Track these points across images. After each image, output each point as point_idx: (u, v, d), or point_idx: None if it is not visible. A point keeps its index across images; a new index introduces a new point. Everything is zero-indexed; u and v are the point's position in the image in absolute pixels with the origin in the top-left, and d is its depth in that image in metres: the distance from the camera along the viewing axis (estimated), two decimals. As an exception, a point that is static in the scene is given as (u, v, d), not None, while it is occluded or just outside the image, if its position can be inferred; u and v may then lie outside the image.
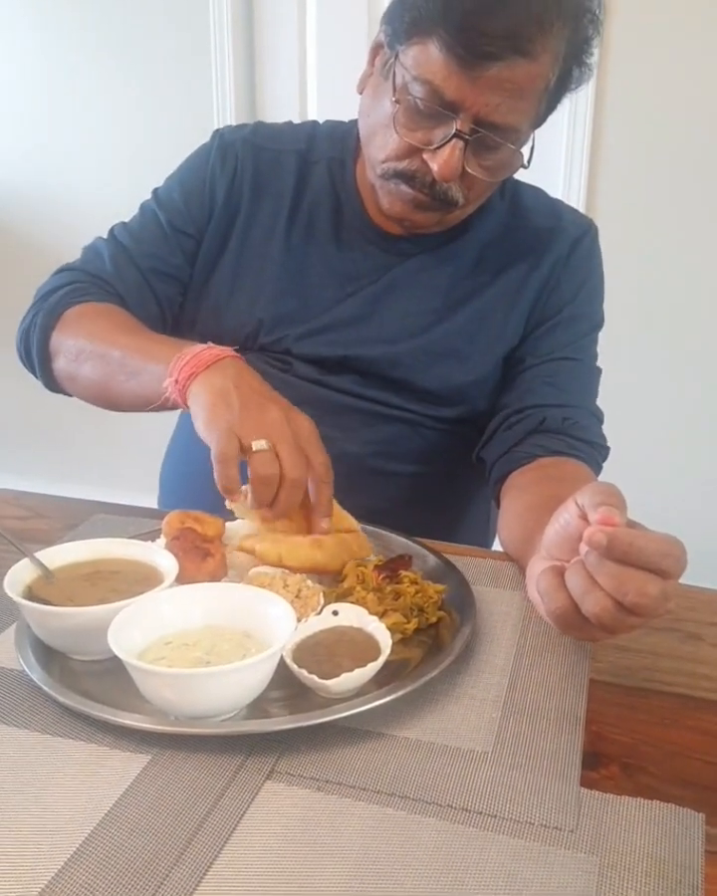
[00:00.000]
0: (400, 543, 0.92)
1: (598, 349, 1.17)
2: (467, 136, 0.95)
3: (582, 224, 1.17)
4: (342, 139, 1.15)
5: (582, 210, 2.29)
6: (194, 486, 1.20)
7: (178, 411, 1.27)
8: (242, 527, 0.89)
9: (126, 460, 2.73)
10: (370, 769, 0.62)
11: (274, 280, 1.13)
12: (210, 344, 0.92)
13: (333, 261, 1.13)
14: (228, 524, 0.89)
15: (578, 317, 1.14)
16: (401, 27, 0.95)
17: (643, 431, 2.26)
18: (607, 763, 0.64)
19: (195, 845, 0.55)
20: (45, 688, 0.68)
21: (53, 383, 1.12)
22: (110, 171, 2.63)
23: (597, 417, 1.11)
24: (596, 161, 2.29)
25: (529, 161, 1.01)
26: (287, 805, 0.59)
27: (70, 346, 1.06)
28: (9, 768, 0.62)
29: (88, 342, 1.04)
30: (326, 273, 1.13)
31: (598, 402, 1.14)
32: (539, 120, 1.00)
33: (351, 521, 0.90)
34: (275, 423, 0.84)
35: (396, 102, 0.96)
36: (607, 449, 1.09)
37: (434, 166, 0.97)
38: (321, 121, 1.20)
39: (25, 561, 0.77)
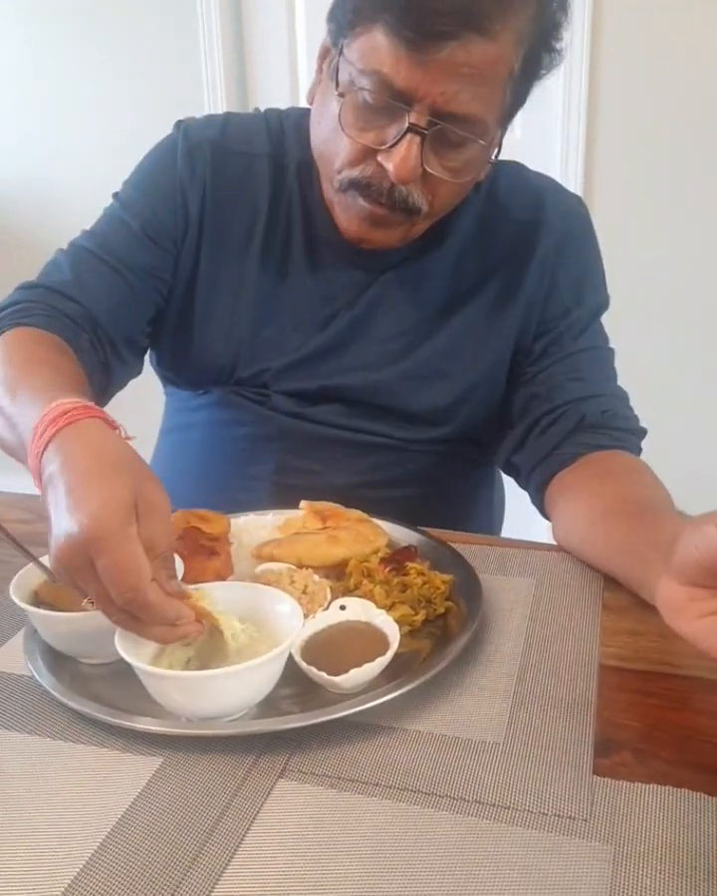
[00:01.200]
0: (405, 533, 0.92)
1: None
2: (423, 130, 0.86)
3: (567, 213, 1.08)
4: (308, 138, 1.03)
5: (579, 194, 2.28)
6: (184, 481, 1.18)
7: (163, 407, 1.25)
8: (248, 524, 0.90)
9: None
10: (383, 764, 0.62)
11: (250, 306, 1.06)
12: (60, 403, 0.71)
13: (308, 281, 1.06)
14: (233, 521, 0.89)
15: (585, 309, 1.07)
16: (345, 19, 0.88)
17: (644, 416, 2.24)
18: (619, 749, 0.64)
19: (210, 847, 0.55)
20: (55, 693, 0.68)
21: None
22: (96, 162, 2.61)
23: (624, 399, 1.07)
24: (592, 144, 2.26)
25: (496, 157, 0.94)
26: (300, 804, 0.59)
27: None
28: (21, 775, 0.62)
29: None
30: (302, 295, 1.06)
31: None
32: (506, 113, 0.92)
33: (356, 512, 0.90)
34: (74, 561, 0.62)
35: (341, 95, 0.89)
36: (645, 431, 1.05)
37: (389, 167, 0.88)
38: (290, 114, 1.09)
39: (30, 567, 0.77)
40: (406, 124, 0.86)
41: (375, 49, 0.85)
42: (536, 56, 0.89)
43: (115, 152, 2.56)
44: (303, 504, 0.91)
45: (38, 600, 0.74)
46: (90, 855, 0.55)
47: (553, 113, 2.26)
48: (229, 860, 0.54)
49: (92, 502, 0.61)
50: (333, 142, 0.93)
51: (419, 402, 1.08)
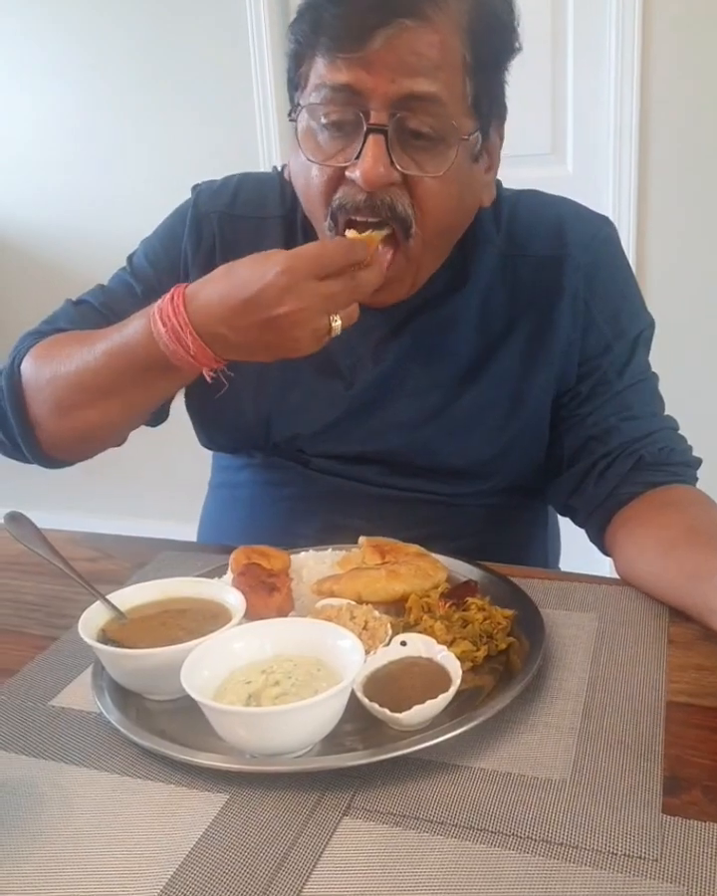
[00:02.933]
0: (464, 568, 0.92)
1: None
2: (384, 127, 0.83)
3: (591, 240, 1.03)
4: None
5: (632, 229, 2.25)
6: (231, 538, 1.16)
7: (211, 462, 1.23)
8: (308, 560, 0.90)
9: (182, 492, 2.77)
10: (448, 801, 0.62)
11: (274, 372, 1.02)
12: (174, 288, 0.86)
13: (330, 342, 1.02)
14: (294, 557, 0.90)
15: (626, 340, 1.03)
16: (292, 74, 0.91)
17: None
18: (689, 787, 0.62)
19: (276, 884, 0.56)
20: (122, 730, 0.69)
21: (43, 446, 0.99)
22: (145, 212, 2.68)
23: (676, 429, 1.04)
24: (644, 175, 2.25)
25: (478, 156, 0.91)
26: (365, 842, 0.59)
27: (43, 376, 0.96)
28: (91, 811, 0.63)
29: (58, 355, 0.95)
30: (324, 356, 0.98)
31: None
32: (474, 106, 0.88)
33: (414, 547, 0.91)
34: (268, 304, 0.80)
35: (293, 119, 0.90)
36: (700, 460, 1.03)
37: (357, 175, 0.85)
38: None
39: (98, 604, 0.78)
40: (366, 127, 0.84)
41: (319, 73, 0.85)
42: (487, 42, 0.87)
43: (166, 202, 2.64)
44: (361, 539, 0.92)
45: (105, 638, 0.75)
46: (158, 892, 0.55)
47: (604, 147, 2.27)
48: (296, 898, 0.55)
49: (255, 257, 0.83)
50: (311, 186, 0.91)
51: (462, 458, 1.05)
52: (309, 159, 0.90)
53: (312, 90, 0.87)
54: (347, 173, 0.87)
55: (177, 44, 2.53)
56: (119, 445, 1.04)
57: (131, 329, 0.88)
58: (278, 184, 1.08)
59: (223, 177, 1.12)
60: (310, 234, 1.02)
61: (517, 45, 0.90)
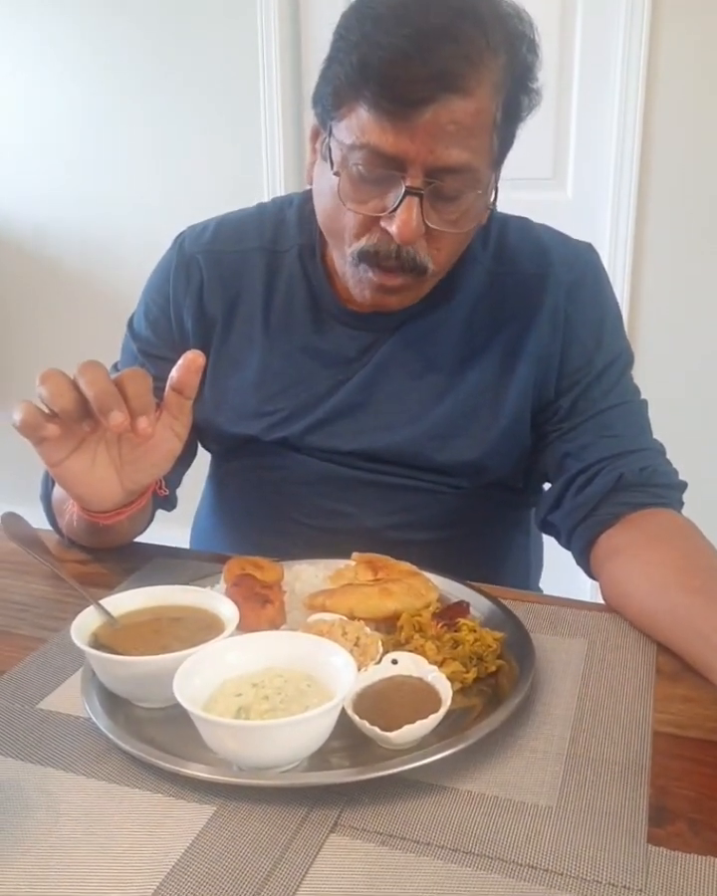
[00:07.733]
0: (456, 588, 0.92)
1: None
2: (420, 191, 0.88)
3: (574, 262, 1.07)
4: (311, 222, 1.06)
5: (629, 257, 2.29)
6: (225, 523, 1.22)
7: (208, 462, 1.26)
8: (301, 573, 0.91)
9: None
10: (434, 823, 0.62)
11: (258, 386, 1.09)
12: None
13: (317, 349, 1.08)
14: (287, 570, 0.90)
15: (610, 362, 1.06)
16: (328, 102, 0.91)
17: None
18: (674, 819, 0.63)
19: (262, 899, 0.56)
20: (111, 736, 0.69)
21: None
22: (158, 212, 2.70)
23: (662, 451, 1.06)
24: (643, 201, 2.28)
25: (495, 203, 0.95)
26: (352, 860, 0.59)
27: (56, 522, 1.07)
28: (77, 818, 0.63)
29: (57, 510, 1.05)
30: (312, 364, 1.08)
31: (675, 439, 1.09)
32: (495, 160, 0.94)
33: (406, 564, 0.91)
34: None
35: (336, 173, 0.91)
36: (685, 484, 1.03)
37: (392, 229, 0.90)
38: (294, 201, 1.14)
39: (91, 609, 0.78)
40: (404, 189, 0.88)
41: (361, 124, 0.87)
42: (515, 100, 0.91)
43: (171, 210, 2.65)
44: (354, 555, 0.92)
45: (97, 643, 0.75)
46: (143, 902, 0.55)
47: (604, 174, 2.29)
48: (281, 914, 0.55)
49: None
50: (336, 218, 0.96)
51: (442, 457, 1.07)
52: (343, 202, 0.92)
53: (352, 141, 0.89)
54: (382, 224, 0.91)
55: (186, 46, 2.55)
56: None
57: (72, 516, 0.96)
58: (257, 219, 1.13)
59: (202, 222, 1.16)
60: (303, 256, 1.08)
61: (537, 86, 0.93)
